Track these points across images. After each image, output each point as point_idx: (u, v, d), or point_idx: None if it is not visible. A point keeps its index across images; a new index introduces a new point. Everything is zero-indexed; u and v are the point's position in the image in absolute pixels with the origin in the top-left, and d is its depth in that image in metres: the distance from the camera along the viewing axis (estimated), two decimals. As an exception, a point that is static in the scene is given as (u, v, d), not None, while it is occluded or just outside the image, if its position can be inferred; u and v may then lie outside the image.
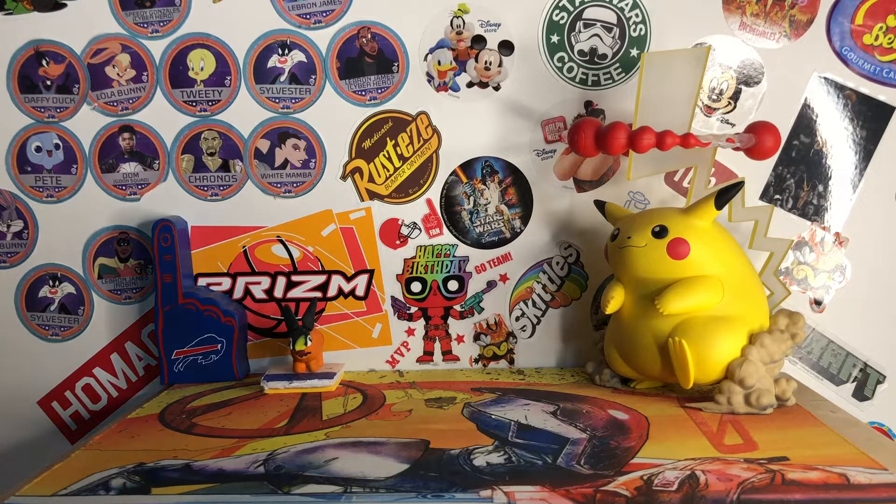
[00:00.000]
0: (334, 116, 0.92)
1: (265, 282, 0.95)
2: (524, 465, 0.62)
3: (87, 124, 0.93)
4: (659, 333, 0.76)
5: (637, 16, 0.88)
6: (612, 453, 0.64)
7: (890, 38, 0.87)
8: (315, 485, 0.59)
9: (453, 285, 0.95)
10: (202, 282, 0.95)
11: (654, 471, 0.60)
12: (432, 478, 0.60)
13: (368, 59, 0.91)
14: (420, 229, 0.94)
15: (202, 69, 0.92)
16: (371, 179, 0.93)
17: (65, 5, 0.91)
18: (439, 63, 0.90)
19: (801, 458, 0.62)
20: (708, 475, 0.59)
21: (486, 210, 0.93)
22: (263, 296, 0.95)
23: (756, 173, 0.89)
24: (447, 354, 0.96)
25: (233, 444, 0.69)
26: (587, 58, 0.89)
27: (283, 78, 0.91)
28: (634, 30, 0.88)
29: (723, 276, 0.76)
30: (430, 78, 0.91)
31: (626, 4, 0.88)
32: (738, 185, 0.77)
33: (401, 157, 0.92)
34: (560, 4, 0.88)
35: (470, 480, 0.59)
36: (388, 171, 0.92)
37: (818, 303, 0.92)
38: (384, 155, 0.92)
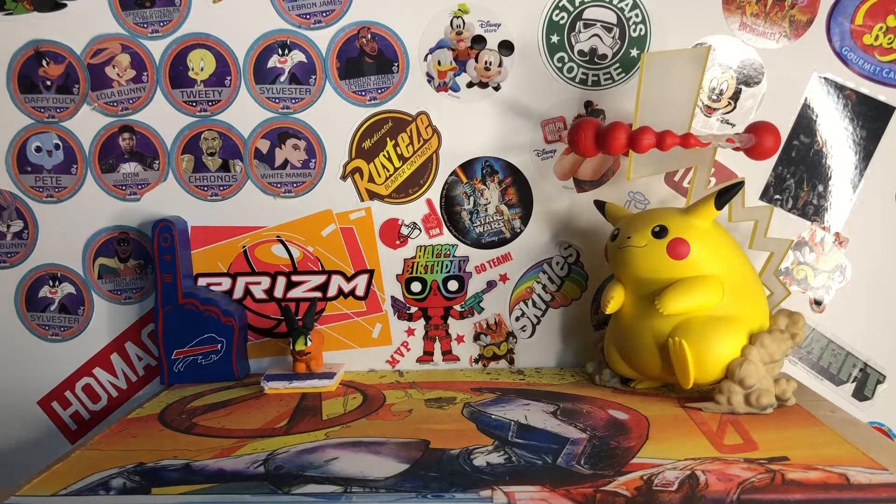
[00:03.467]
0: (334, 116, 0.92)
1: (265, 282, 0.95)
2: (524, 465, 0.62)
3: (87, 124, 0.93)
4: (659, 333, 0.76)
5: (637, 16, 0.88)
6: (612, 453, 0.64)
7: (890, 39, 0.87)
8: (315, 485, 0.59)
9: (453, 285, 0.95)
10: (202, 282, 0.95)
11: (654, 471, 0.60)
12: (432, 478, 0.60)
13: (368, 59, 0.91)
14: (420, 229, 0.94)
15: (202, 69, 0.92)
16: (371, 179, 0.93)
17: (65, 5, 0.91)
18: (439, 63, 0.90)
19: (801, 458, 0.62)
20: (708, 475, 0.59)
21: (486, 210, 0.93)
22: (263, 296, 0.95)
23: (756, 173, 0.89)
24: (447, 354, 0.96)
25: (233, 444, 0.69)
26: (587, 58, 0.89)
27: (283, 78, 0.91)
28: (634, 30, 0.88)
29: (723, 276, 0.76)
30: (430, 78, 0.91)
31: (626, 4, 0.88)
32: (738, 185, 0.77)
33: (401, 158, 0.92)
34: (560, 4, 0.88)
35: (470, 480, 0.59)
36: (388, 171, 0.92)
37: (818, 303, 0.92)
38: (384, 155, 0.92)
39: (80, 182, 0.94)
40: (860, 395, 0.92)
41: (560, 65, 0.90)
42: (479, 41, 0.90)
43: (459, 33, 0.90)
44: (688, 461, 0.62)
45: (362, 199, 0.93)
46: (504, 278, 0.94)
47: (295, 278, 0.95)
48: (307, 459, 0.65)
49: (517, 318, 0.95)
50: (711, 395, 0.75)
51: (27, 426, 0.98)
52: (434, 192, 0.93)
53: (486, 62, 0.90)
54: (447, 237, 0.94)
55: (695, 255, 0.75)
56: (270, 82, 0.91)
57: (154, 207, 0.94)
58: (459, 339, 0.96)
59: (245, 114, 0.92)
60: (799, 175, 0.90)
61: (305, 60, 0.91)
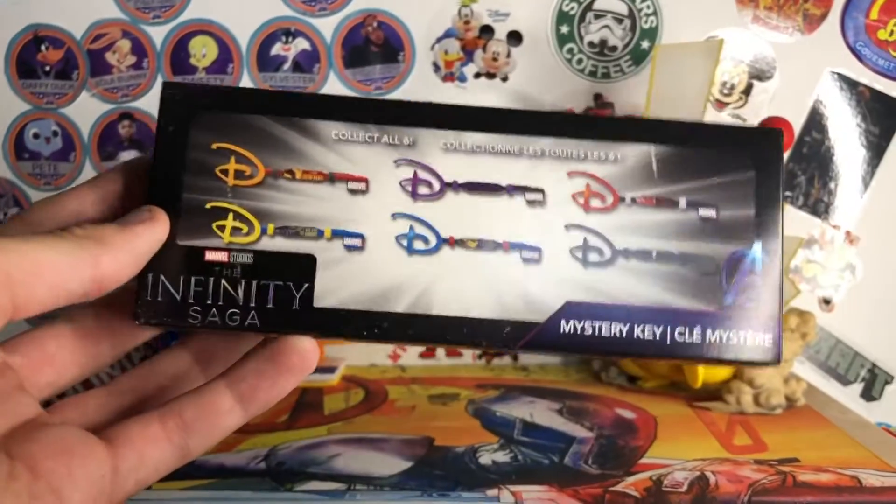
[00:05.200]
0: (338, 106, 0.90)
1: (266, 273, 0.93)
2: (531, 463, 0.61)
3: (85, 111, 0.92)
4: (667, 331, 0.75)
5: (648, 7, 0.87)
6: (620, 453, 0.63)
7: (905, 34, 0.86)
8: (318, 482, 0.58)
9: (457, 279, 0.93)
10: (202, 273, 0.93)
11: (663, 471, 0.59)
12: (437, 476, 0.59)
13: (374, 47, 0.89)
14: (424, 222, 0.92)
15: (204, 56, 0.90)
16: (375, 171, 0.91)
17: (64, -11, 0.89)
18: (446, 53, 0.89)
19: (811, 459, 0.61)
20: (718, 476, 0.58)
21: (492, 203, 0.92)
22: (264, 288, 0.93)
23: (766, 169, 0.88)
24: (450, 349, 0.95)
25: (233, 438, 0.68)
26: (597, 49, 0.88)
27: (286, 66, 0.90)
28: (645, 21, 0.87)
29: (733, 273, 0.74)
30: (436, 68, 0.89)
31: (638, -4, 0.87)
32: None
33: (406, 149, 0.91)
34: (570, -5, 0.87)
35: (476, 479, 0.58)
36: (393, 162, 0.91)
37: (827, 302, 0.90)
38: (389, 146, 0.91)
39: (79, 170, 0.93)
40: (868, 395, 0.91)
41: (569, 56, 0.88)
42: (487, 31, 0.88)
43: (467, 22, 0.88)
44: (697, 462, 0.61)
45: (366, 191, 0.92)
46: (509, 273, 0.93)
47: (296, 270, 0.93)
48: (309, 455, 0.64)
49: (521, 314, 0.94)
50: (720, 395, 0.74)
51: (23, 417, 0.97)
52: (439, 185, 0.92)
53: (493, 52, 0.89)
54: (452, 230, 0.92)
55: (705, 252, 0.74)
56: (273, 70, 0.90)
57: (154, 196, 0.92)
58: (463, 333, 0.94)
59: (247, 102, 0.90)
60: (810, 172, 0.89)
61: (309, 48, 0.89)
